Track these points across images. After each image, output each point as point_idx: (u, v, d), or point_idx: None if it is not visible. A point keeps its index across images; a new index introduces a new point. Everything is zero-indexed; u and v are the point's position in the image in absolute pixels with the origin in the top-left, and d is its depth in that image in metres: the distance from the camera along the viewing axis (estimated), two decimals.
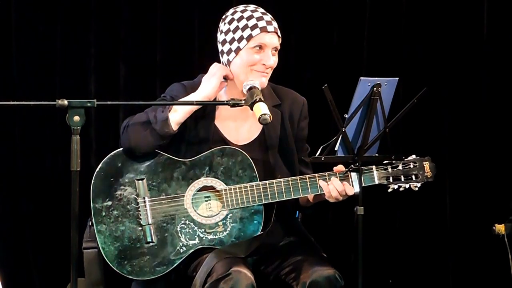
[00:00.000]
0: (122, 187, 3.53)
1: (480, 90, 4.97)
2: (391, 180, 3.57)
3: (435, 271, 5.04)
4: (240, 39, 3.56)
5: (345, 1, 4.99)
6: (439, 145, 4.99)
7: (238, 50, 3.57)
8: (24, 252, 4.86)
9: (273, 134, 3.66)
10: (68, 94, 3.53)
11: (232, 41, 3.58)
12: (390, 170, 3.57)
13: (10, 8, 4.79)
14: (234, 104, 3.46)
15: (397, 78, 3.40)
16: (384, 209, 4.84)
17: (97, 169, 3.55)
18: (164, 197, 3.54)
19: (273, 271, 3.60)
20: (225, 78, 3.60)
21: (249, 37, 3.55)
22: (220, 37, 3.63)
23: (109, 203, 3.52)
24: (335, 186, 3.51)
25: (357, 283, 3.38)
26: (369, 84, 3.35)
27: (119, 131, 3.61)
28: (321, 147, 3.63)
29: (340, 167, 3.55)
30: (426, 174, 3.60)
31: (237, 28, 3.57)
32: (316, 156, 3.55)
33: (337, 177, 3.52)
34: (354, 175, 3.50)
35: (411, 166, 3.59)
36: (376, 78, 3.36)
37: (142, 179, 3.53)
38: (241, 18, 3.58)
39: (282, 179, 3.55)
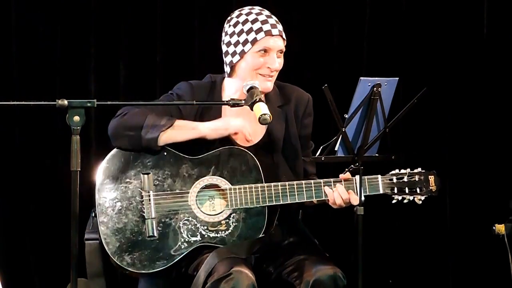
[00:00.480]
0: (127, 179, 3.54)
1: (480, 90, 4.96)
2: (395, 190, 3.58)
3: (435, 271, 5.04)
4: (245, 42, 3.56)
5: (345, 1, 4.99)
6: (439, 145, 4.99)
7: (242, 53, 3.57)
8: (24, 252, 4.86)
9: (277, 136, 3.67)
10: (68, 94, 3.53)
11: (236, 43, 3.58)
12: (395, 180, 3.58)
13: (10, 8, 4.80)
14: (234, 104, 3.47)
15: (397, 78, 3.40)
16: (384, 209, 4.84)
17: (104, 160, 3.55)
18: (169, 192, 3.55)
19: (275, 270, 3.61)
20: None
21: (254, 41, 3.56)
22: (225, 38, 3.63)
23: (114, 194, 3.53)
24: (340, 194, 3.52)
25: (357, 283, 3.38)
26: (369, 84, 3.35)
27: None
28: (321, 147, 3.63)
29: (347, 175, 3.55)
30: (430, 187, 3.61)
31: (241, 31, 3.58)
32: (316, 156, 3.56)
33: (342, 184, 3.53)
34: (358, 181, 3.50)
35: (416, 178, 3.60)
36: (376, 78, 3.36)
37: (148, 173, 3.54)
38: (246, 21, 3.58)
39: (287, 182, 3.56)
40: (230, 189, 3.56)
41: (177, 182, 3.56)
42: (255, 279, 3.41)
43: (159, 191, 3.55)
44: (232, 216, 3.56)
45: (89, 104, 3.19)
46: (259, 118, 3.42)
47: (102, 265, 3.56)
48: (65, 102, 3.15)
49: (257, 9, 3.64)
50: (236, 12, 3.65)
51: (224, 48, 3.64)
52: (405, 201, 3.62)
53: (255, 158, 3.57)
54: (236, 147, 3.60)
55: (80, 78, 4.87)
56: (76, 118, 3.16)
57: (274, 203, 3.56)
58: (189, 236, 3.53)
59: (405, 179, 3.59)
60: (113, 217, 3.52)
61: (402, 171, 3.62)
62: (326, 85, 3.36)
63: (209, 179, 3.58)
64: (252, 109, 3.46)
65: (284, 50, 3.62)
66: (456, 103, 4.98)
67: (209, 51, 3.92)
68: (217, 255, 3.46)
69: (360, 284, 3.38)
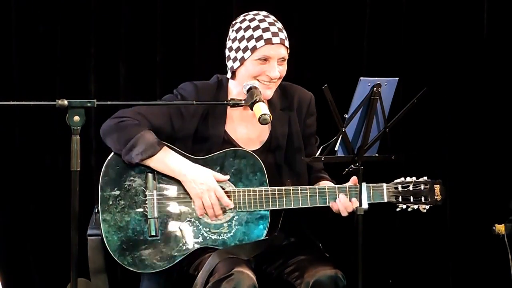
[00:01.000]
0: (131, 178, 3.54)
1: (480, 90, 4.96)
2: (400, 199, 3.59)
3: (435, 271, 5.04)
4: (245, 49, 3.56)
5: (345, 1, 4.99)
6: (439, 145, 4.99)
7: (243, 60, 3.58)
8: (24, 252, 4.86)
9: (280, 138, 3.67)
10: (68, 94, 3.53)
11: (237, 50, 3.58)
12: (400, 189, 3.59)
13: (10, 8, 4.79)
14: (234, 104, 3.47)
15: (397, 78, 3.40)
16: (384, 209, 4.84)
17: (109, 158, 3.55)
18: (173, 192, 3.55)
19: (275, 270, 3.61)
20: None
21: (254, 49, 3.55)
22: (228, 43, 3.64)
23: (117, 192, 3.53)
24: (345, 207, 3.53)
25: (357, 283, 3.38)
26: (369, 84, 3.35)
27: None
28: (321, 147, 3.63)
29: (354, 180, 3.55)
30: (436, 197, 3.61)
31: (242, 37, 3.57)
32: (316, 156, 3.56)
33: (346, 196, 3.53)
34: (364, 191, 3.50)
35: (422, 187, 3.61)
36: (376, 78, 3.36)
37: (152, 172, 3.54)
38: (247, 27, 3.58)
39: (291, 187, 3.56)
40: (234, 191, 3.56)
41: (180, 182, 3.56)
42: (256, 279, 3.41)
43: (163, 190, 3.55)
44: (235, 218, 3.56)
45: (89, 104, 3.19)
46: (259, 118, 3.42)
47: (104, 261, 3.57)
48: (65, 102, 3.16)
49: (261, 15, 3.62)
50: (241, 17, 3.64)
51: (226, 52, 3.65)
52: (409, 209, 3.63)
53: (261, 161, 3.57)
54: (242, 149, 3.60)
55: (80, 78, 4.86)
56: (76, 118, 3.16)
57: (277, 208, 3.56)
58: (191, 237, 3.53)
59: (411, 187, 3.60)
60: (116, 215, 3.52)
61: (408, 179, 3.63)
62: (326, 85, 3.36)
63: None
64: (252, 109, 3.46)
65: (286, 57, 3.61)
66: (456, 103, 4.98)
67: (209, 51, 3.92)
68: (218, 255, 3.46)
69: (360, 284, 3.38)
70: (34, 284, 4.89)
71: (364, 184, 3.50)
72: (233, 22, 3.66)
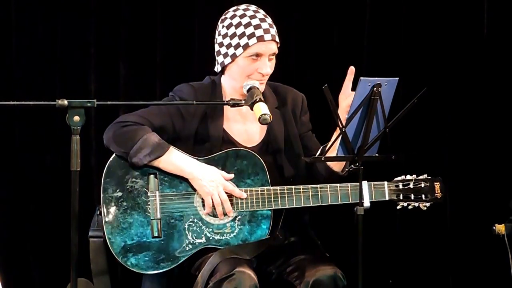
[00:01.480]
0: (133, 179, 3.54)
1: (480, 90, 4.96)
2: (401, 197, 3.60)
3: (435, 271, 5.04)
4: (237, 46, 3.57)
5: (345, 1, 4.99)
6: (439, 145, 4.99)
7: (234, 56, 3.58)
8: (24, 252, 4.86)
9: (278, 136, 3.67)
10: (68, 94, 3.53)
11: (229, 46, 3.59)
12: (401, 187, 3.60)
13: (10, 8, 4.79)
14: (234, 104, 3.47)
15: (397, 78, 3.40)
16: (384, 209, 4.84)
17: (110, 159, 3.55)
18: (175, 193, 3.55)
19: (276, 270, 3.61)
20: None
21: (246, 46, 3.56)
22: (218, 38, 3.64)
23: (119, 194, 3.53)
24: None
25: (357, 283, 3.38)
26: (369, 84, 3.35)
27: None
28: (321, 147, 3.63)
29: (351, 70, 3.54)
30: (436, 194, 3.63)
31: (234, 34, 3.58)
32: (316, 156, 3.56)
33: (348, 196, 3.56)
34: (366, 189, 3.50)
35: (422, 185, 3.62)
36: (376, 78, 3.36)
37: (154, 173, 3.54)
38: (239, 24, 3.58)
39: (293, 187, 3.56)
40: None
41: (183, 182, 3.56)
42: (257, 279, 3.41)
43: (165, 191, 3.55)
44: (237, 219, 3.56)
45: (89, 104, 3.19)
46: (259, 118, 3.42)
47: (107, 262, 3.57)
48: (65, 102, 3.16)
49: (251, 10, 3.62)
50: (230, 12, 3.64)
51: (216, 47, 3.65)
52: (410, 207, 3.63)
53: (262, 160, 3.57)
54: (243, 149, 3.60)
55: (80, 78, 4.86)
56: (76, 118, 3.16)
57: (279, 207, 3.56)
58: (194, 238, 3.53)
59: (411, 185, 3.61)
60: (118, 216, 3.52)
61: (408, 177, 3.64)
62: (326, 85, 3.36)
63: None
64: (252, 109, 3.46)
65: (276, 52, 3.61)
66: (456, 103, 4.98)
67: (209, 51, 3.92)
68: (220, 255, 3.46)
69: (360, 284, 3.38)
70: (34, 284, 4.88)
71: (365, 183, 3.51)
72: (223, 17, 3.66)
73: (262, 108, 3.44)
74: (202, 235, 3.54)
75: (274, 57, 3.62)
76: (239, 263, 3.41)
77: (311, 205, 3.57)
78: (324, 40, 4.99)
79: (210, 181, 3.52)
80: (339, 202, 3.60)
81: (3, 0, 4.78)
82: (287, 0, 4.93)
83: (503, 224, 4.18)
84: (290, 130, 3.70)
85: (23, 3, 4.80)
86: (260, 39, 3.55)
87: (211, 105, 3.63)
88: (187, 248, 3.52)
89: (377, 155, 3.48)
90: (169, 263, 3.51)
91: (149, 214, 3.52)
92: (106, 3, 4.87)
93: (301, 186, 3.57)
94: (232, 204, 3.55)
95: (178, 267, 3.53)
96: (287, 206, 3.56)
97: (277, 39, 3.60)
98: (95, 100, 3.21)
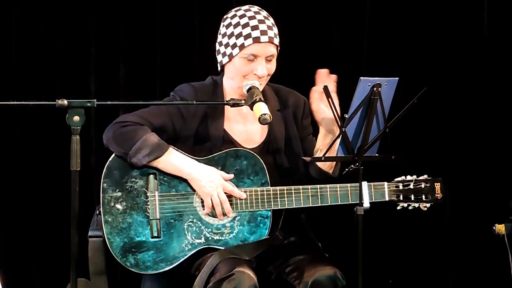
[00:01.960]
0: (133, 179, 3.54)
1: (480, 90, 4.96)
2: (401, 198, 3.59)
3: (435, 271, 5.04)
4: (234, 46, 3.57)
5: (345, 1, 4.99)
6: (439, 145, 4.99)
7: (231, 56, 3.58)
8: (24, 252, 4.86)
9: (278, 137, 3.67)
10: (68, 94, 3.53)
11: (226, 45, 3.59)
12: (401, 187, 3.60)
13: (10, 8, 4.79)
14: (234, 104, 3.47)
15: (397, 78, 3.40)
16: (384, 209, 4.83)
17: (110, 159, 3.55)
18: (174, 193, 3.55)
19: (275, 270, 3.61)
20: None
21: (242, 46, 3.55)
22: (218, 37, 3.64)
23: (119, 194, 3.53)
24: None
25: (357, 283, 3.38)
26: (369, 84, 3.35)
27: None
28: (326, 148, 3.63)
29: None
30: (436, 195, 3.62)
31: (232, 34, 3.58)
32: (316, 156, 3.56)
33: (348, 194, 3.56)
34: (365, 190, 3.50)
35: (422, 186, 3.61)
36: (376, 78, 3.36)
37: (154, 173, 3.54)
38: (237, 24, 3.58)
39: (293, 187, 3.56)
40: None
41: (182, 183, 3.56)
42: (257, 279, 3.41)
43: (164, 191, 3.55)
44: (236, 219, 3.56)
45: (89, 104, 3.19)
46: (259, 118, 3.42)
47: (105, 262, 3.56)
48: (65, 102, 3.15)
49: (252, 11, 3.61)
50: (232, 12, 3.64)
51: (217, 46, 3.65)
52: (410, 208, 3.63)
53: (262, 161, 3.57)
54: (243, 149, 3.60)
55: (80, 78, 4.86)
56: (76, 118, 3.16)
57: (279, 207, 3.56)
58: (193, 238, 3.53)
59: (411, 186, 3.60)
60: (118, 216, 3.52)
61: (408, 177, 3.63)
62: (326, 85, 3.36)
63: None
64: (252, 109, 3.46)
65: (275, 55, 3.60)
66: (456, 103, 4.98)
67: (209, 51, 3.91)
68: (220, 255, 3.46)
69: (360, 284, 3.38)
70: (34, 284, 4.89)
71: (365, 183, 3.50)
72: (224, 17, 3.66)
73: (262, 108, 3.43)
74: (202, 235, 3.54)
75: (274, 59, 3.61)
76: (238, 263, 3.41)
77: (310, 205, 3.56)
78: (324, 40, 4.99)
79: (209, 181, 3.52)
80: (339, 203, 3.60)
81: (3, 0, 4.78)
82: (287, 0, 4.93)
83: (503, 224, 4.18)
84: (290, 132, 3.69)
85: (23, 3, 4.80)
86: (256, 40, 3.55)
87: (211, 105, 3.63)
88: (187, 248, 3.52)
89: (377, 155, 3.48)
90: (168, 263, 3.51)
91: (148, 214, 3.52)
92: (106, 3, 4.87)
93: (300, 186, 3.56)
94: (231, 204, 3.55)
95: (177, 267, 3.53)
96: (286, 206, 3.56)
97: (276, 41, 3.58)
98: (95, 100, 3.21)
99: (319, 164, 3.61)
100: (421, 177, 3.64)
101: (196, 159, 3.57)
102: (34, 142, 4.84)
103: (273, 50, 3.58)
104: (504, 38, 4.94)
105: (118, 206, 3.52)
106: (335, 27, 4.99)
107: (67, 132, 3.16)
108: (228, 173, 3.56)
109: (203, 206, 3.55)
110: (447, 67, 4.97)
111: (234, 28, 3.57)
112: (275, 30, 3.60)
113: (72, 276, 3.16)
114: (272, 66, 3.61)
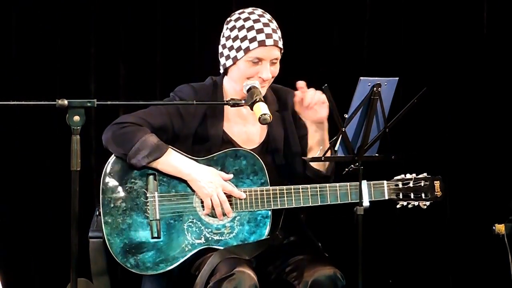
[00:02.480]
0: (132, 180, 3.54)
1: (480, 90, 4.96)
2: (401, 196, 3.59)
3: (435, 271, 5.04)
4: (238, 49, 3.56)
5: (345, 1, 4.99)
6: (439, 145, 4.99)
7: (235, 59, 3.58)
8: (24, 252, 4.86)
9: (278, 138, 3.67)
10: (68, 94, 3.53)
11: (231, 48, 3.58)
12: (401, 186, 3.60)
13: (10, 8, 4.79)
14: (234, 104, 3.47)
15: (397, 78, 3.40)
16: (384, 209, 4.84)
17: (109, 160, 3.55)
18: (174, 194, 3.55)
19: (275, 270, 3.61)
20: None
21: (247, 50, 3.55)
22: (222, 40, 3.64)
23: (118, 195, 3.52)
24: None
25: (357, 283, 3.38)
26: (369, 84, 3.35)
27: None
28: (321, 147, 3.63)
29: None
30: (436, 193, 3.62)
31: (236, 37, 3.57)
32: (316, 156, 3.56)
33: (347, 192, 3.55)
34: (365, 188, 3.50)
35: (422, 184, 3.61)
36: (376, 78, 3.36)
37: (153, 174, 3.54)
38: (242, 27, 3.57)
39: (292, 186, 3.56)
40: None
41: (182, 183, 3.56)
42: (257, 279, 3.41)
43: (164, 192, 3.55)
44: (236, 219, 3.56)
45: (89, 104, 3.19)
46: (259, 118, 3.42)
47: (106, 263, 3.56)
48: (65, 102, 3.15)
49: (256, 14, 3.61)
50: (236, 15, 3.64)
51: (220, 49, 3.65)
52: (410, 206, 3.63)
53: (261, 161, 3.57)
54: (243, 149, 3.60)
55: (80, 78, 4.87)
56: (76, 118, 3.16)
57: (279, 207, 3.56)
58: (193, 238, 3.53)
59: (411, 184, 3.60)
60: (118, 217, 3.52)
61: (408, 176, 3.63)
62: (326, 85, 3.36)
63: None
64: (252, 109, 3.46)
65: (279, 57, 3.61)
66: (456, 103, 4.98)
67: (209, 52, 3.92)
68: (220, 255, 3.46)
69: (360, 284, 3.38)
70: (34, 284, 4.89)
71: (364, 182, 3.50)
72: (228, 19, 3.66)
73: (262, 108, 3.43)
74: (202, 236, 3.54)
75: (277, 62, 3.61)
76: (239, 263, 3.41)
77: (310, 205, 3.56)
78: (324, 40, 4.99)
79: (209, 182, 3.52)
80: (339, 202, 3.60)
81: (3, 0, 4.78)
82: (287, 0, 4.93)
83: (503, 224, 4.18)
84: (290, 132, 3.69)
85: (23, 3, 4.80)
86: (262, 43, 3.55)
87: (211, 106, 3.63)
88: (186, 249, 3.52)
89: (377, 155, 3.48)
90: (168, 264, 3.51)
91: (148, 215, 3.52)
92: (106, 3, 4.87)
93: (300, 186, 3.56)
94: (231, 204, 3.54)
95: (178, 268, 3.53)
96: (286, 206, 3.56)
97: (280, 44, 3.59)
98: (95, 100, 3.21)
99: (312, 163, 3.61)
100: (420, 175, 3.64)
101: (195, 159, 3.57)
102: (34, 142, 4.84)
103: (277, 53, 3.59)
104: (504, 38, 4.95)
105: (118, 207, 3.52)
106: (335, 27, 5.00)
107: (67, 132, 3.16)
108: (227, 173, 3.56)
109: (202, 206, 3.55)
110: (447, 67, 4.97)
111: (239, 31, 3.57)
112: (279, 33, 3.60)
113: (72, 276, 3.16)
114: (276, 69, 3.61)
